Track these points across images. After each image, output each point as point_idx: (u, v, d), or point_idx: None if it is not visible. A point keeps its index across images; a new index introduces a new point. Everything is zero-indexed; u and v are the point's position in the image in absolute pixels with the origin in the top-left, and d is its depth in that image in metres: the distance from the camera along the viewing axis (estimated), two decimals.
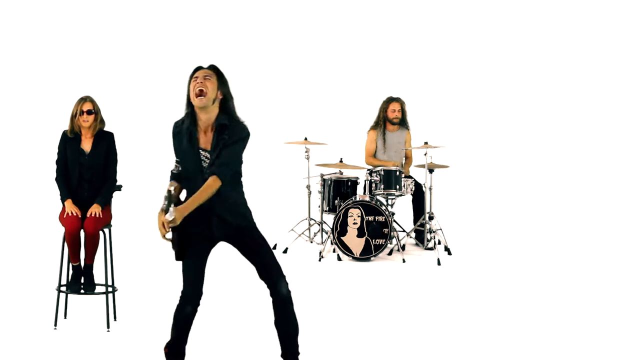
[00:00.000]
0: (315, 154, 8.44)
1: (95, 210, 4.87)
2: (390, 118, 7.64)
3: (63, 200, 4.96)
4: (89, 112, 4.91)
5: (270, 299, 3.84)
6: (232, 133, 3.66)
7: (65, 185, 4.97)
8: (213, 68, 3.71)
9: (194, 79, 3.65)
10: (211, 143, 3.68)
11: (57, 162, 5.01)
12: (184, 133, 3.71)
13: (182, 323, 3.86)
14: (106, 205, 5.00)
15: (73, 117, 4.94)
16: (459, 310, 5.52)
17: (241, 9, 10.76)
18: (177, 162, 3.76)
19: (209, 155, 3.68)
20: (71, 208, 4.88)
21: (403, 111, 7.68)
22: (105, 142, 4.99)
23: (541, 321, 5.25)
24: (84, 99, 4.94)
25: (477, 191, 10.02)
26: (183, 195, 3.84)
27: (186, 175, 3.74)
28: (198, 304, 3.84)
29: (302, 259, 7.11)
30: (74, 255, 4.94)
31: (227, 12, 10.73)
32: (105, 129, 5.08)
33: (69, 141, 4.97)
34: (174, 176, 3.78)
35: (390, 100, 7.69)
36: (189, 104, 3.70)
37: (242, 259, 4.01)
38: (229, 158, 3.64)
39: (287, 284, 3.80)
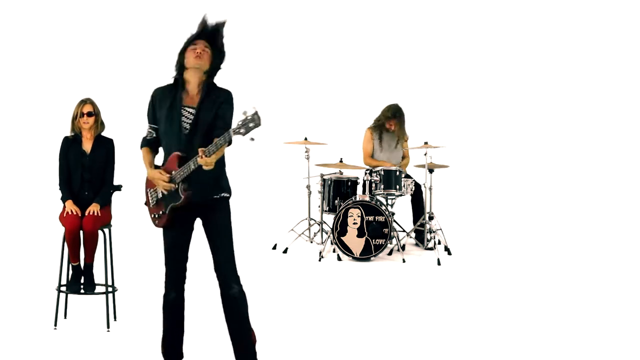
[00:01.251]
0: (315, 154, 8.44)
1: (93, 208, 4.92)
2: (387, 128, 7.70)
3: (64, 201, 5.00)
4: (89, 114, 4.98)
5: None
6: (226, 97, 3.81)
7: (67, 188, 5.02)
8: (211, 41, 3.85)
9: (192, 46, 3.79)
10: (199, 100, 3.79)
11: (60, 167, 5.06)
12: (167, 95, 3.85)
13: (170, 312, 3.91)
14: (105, 206, 5.04)
15: (74, 119, 5.00)
16: (459, 310, 5.52)
17: (241, 9, 10.75)
18: (151, 128, 3.92)
19: (193, 112, 3.78)
20: (71, 207, 4.92)
21: (401, 123, 7.68)
22: (104, 147, 5.06)
23: (541, 321, 5.25)
24: (84, 101, 5.01)
25: (477, 191, 10.02)
26: (159, 159, 3.96)
27: (165, 136, 3.84)
28: (182, 289, 3.90)
29: (302, 259, 7.11)
30: (73, 255, 4.96)
31: (227, 12, 10.72)
32: (107, 128, 5.15)
33: (70, 145, 5.03)
34: (147, 142, 3.94)
35: (391, 117, 7.62)
36: (180, 69, 3.84)
37: (241, 258, 4.00)
38: (227, 123, 3.77)
39: (239, 285, 3.81)
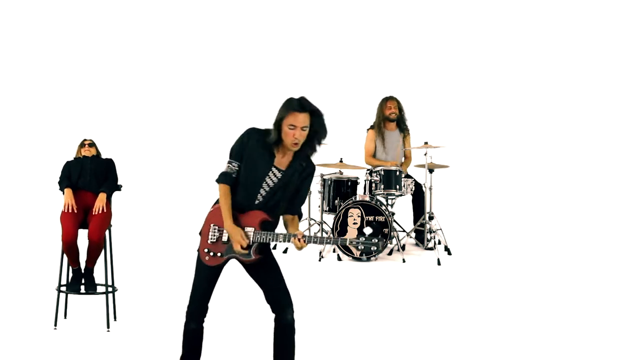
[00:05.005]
0: (315, 153, 8.42)
1: (100, 204, 5.01)
2: (387, 115, 7.67)
3: (63, 188, 5.10)
4: (90, 145, 5.39)
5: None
6: (310, 170, 3.77)
7: (67, 179, 5.17)
8: (311, 113, 3.65)
9: (291, 126, 3.61)
10: (288, 165, 3.72)
11: (63, 169, 5.26)
12: (262, 145, 3.70)
13: (188, 340, 3.86)
14: (110, 196, 5.17)
15: (76, 152, 5.42)
16: (459, 310, 5.52)
17: (241, 9, 10.75)
18: (235, 165, 3.72)
19: (278, 174, 3.70)
20: (69, 199, 5.02)
21: (400, 109, 7.71)
22: (105, 162, 5.32)
23: (541, 321, 5.25)
24: (85, 139, 5.47)
25: (477, 191, 10.02)
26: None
27: (244, 182, 3.71)
28: (202, 322, 3.83)
29: (302, 259, 7.11)
30: (72, 261, 5.00)
31: (227, 12, 10.73)
32: (107, 135, 5.34)
33: (73, 161, 5.33)
34: (229, 180, 3.70)
35: (386, 98, 7.74)
36: (277, 129, 3.66)
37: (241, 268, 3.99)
38: (305, 199, 3.83)
39: (293, 312, 3.79)
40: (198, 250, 3.81)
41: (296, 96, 3.75)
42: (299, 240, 3.60)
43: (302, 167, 3.73)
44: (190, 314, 3.79)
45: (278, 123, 3.65)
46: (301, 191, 3.78)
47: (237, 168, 3.72)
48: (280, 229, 3.79)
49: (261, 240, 3.68)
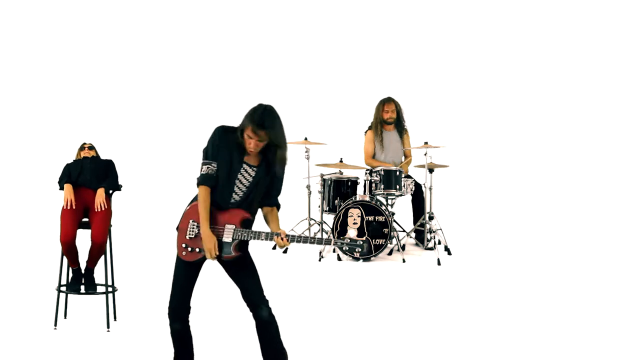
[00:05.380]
0: (315, 154, 8.43)
1: (100, 199, 5.00)
2: (385, 118, 7.67)
3: (62, 184, 5.09)
4: (90, 148, 5.41)
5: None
6: (282, 160, 3.69)
7: (67, 176, 5.16)
8: (270, 135, 3.59)
9: (248, 136, 3.58)
10: (259, 162, 3.69)
11: (63, 169, 5.25)
12: (232, 143, 3.66)
13: (175, 341, 3.85)
14: (109, 192, 5.16)
15: (77, 154, 5.44)
16: (459, 310, 5.52)
17: (241, 9, 10.75)
18: (214, 165, 3.68)
19: (251, 171, 3.68)
20: (69, 195, 5.01)
21: (398, 111, 7.69)
22: (104, 162, 5.32)
23: (541, 321, 5.25)
24: (85, 142, 5.51)
25: (477, 191, 10.02)
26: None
27: (219, 181, 3.68)
28: (186, 321, 3.82)
29: (302, 259, 7.11)
30: (72, 262, 5.00)
31: (225, 13, 10.73)
32: (106, 136, 5.32)
33: (73, 162, 5.33)
34: (209, 181, 3.67)
35: (383, 101, 7.72)
36: (241, 133, 3.62)
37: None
38: (280, 188, 3.79)
39: (268, 308, 3.75)
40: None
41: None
42: (282, 239, 3.61)
43: (270, 161, 3.69)
44: (172, 314, 3.78)
45: (241, 129, 3.64)
46: (275, 181, 3.74)
47: (216, 168, 3.69)
48: (260, 224, 3.79)
49: (242, 238, 3.67)
